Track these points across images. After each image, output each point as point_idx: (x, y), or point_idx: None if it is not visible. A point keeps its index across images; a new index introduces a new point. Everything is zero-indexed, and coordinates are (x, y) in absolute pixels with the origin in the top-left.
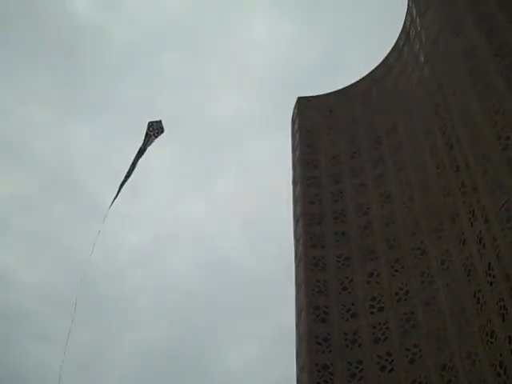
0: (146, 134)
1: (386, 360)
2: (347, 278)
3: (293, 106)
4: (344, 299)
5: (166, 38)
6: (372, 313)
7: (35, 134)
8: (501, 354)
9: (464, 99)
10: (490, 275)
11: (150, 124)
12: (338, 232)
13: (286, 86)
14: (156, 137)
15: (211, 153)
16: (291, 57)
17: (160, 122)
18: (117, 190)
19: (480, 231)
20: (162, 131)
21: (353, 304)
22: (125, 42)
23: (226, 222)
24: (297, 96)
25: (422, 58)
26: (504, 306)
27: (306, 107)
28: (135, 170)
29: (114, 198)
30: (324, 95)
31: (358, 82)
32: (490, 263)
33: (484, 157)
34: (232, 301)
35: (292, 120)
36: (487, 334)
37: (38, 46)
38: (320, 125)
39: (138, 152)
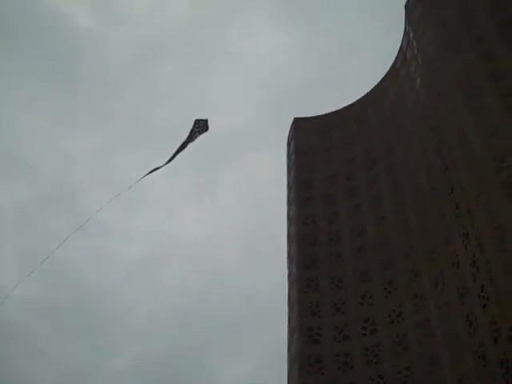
0: (192, 130)
1: (379, 383)
2: (340, 299)
3: (290, 123)
4: (337, 321)
5: (166, 51)
6: (364, 334)
7: (35, 145)
8: (493, 378)
9: (459, 121)
10: (483, 298)
11: (197, 121)
12: (332, 253)
13: (285, 101)
14: (200, 133)
15: (209, 167)
16: (291, 71)
17: (206, 120)
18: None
19: (474, 254)
20: (207, 129)
21: (346, 325)
22: (124, 52)
23: (223, 235)
24: (295, 112)
25: (417, 80)
26: (497, 329)
27: (302, 128)
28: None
29: (141, 178)
30: (320, 116)
31: (354, 103)
32: (483, 286)
33: (478, 179)
34: (228, 315)
35: (288, 140)
36: (479, 357)
37: (38, 59)
38: (316, 146)
39: (181, 145)
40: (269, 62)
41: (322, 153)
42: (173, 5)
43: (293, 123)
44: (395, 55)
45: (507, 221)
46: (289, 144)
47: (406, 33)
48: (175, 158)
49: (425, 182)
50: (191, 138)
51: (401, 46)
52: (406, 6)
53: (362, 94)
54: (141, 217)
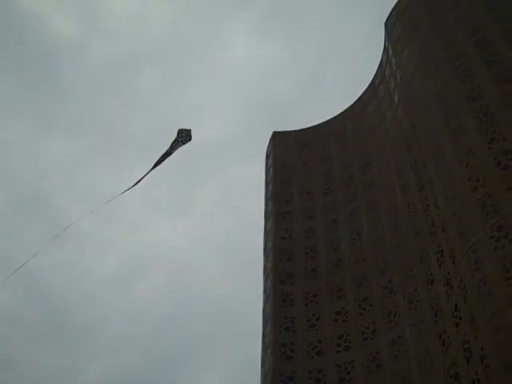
0: (175, 140)
1: None
2: (314, 315)
3: (269, 135)
4: (311, 337)
5: (147, 60)
6: (338, 351)
7: (10, 151)
8: None
9: (436, 139)
10: (456, 316)
11: (180, 131)
12: (308, 268)
13: (266, 112)
14: (183, 144)
15: (187, 179)
16: (272, 82)
17: (189, 130)
18: (125, 190)
19: (448, 272)
20: (190, 139)
21: (319, 342)
22: (104, 60)
23: (200, 249)
24: (274, 124)
25: (396, 98)
26: (469, 347)
27: (280, 142)
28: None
29: (127, 189)
30: (299, 130)
31: (333, 118)
32: (456, 304)
33: (454, 198)
34: (203, 329)
35: (266, 154)
36: (451, 377)
37: (14, 62)
38: (294, 160)
39: (164, 154)
40: (249, 74)
41: (301, 167)
42: (155, 14)
43: (271, 137)
44: (375, 69)
45: (481, 239)
46: (267, 158)
47: (385, 49)
48: (155, 169)
49: (401, 199)
50: (174, 147)
51: (380, 62)
52: (385, 24)
53: (343, 109)
54: (117, 228)
